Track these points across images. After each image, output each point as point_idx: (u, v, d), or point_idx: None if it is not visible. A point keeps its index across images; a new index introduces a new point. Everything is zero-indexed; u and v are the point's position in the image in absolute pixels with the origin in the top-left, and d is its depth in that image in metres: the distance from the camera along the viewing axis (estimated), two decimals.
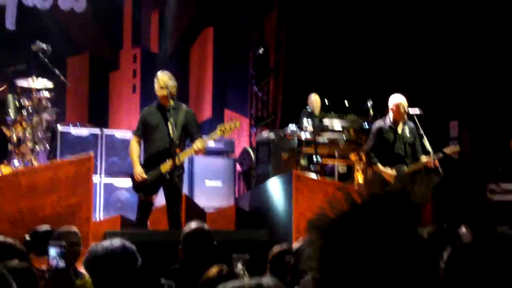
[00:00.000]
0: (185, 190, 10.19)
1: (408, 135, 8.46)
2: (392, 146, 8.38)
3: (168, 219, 7.62)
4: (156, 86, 7.67)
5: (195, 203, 9.44)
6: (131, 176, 7.70)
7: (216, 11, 14.31)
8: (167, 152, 7.50)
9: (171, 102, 7.63)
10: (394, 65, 13.21)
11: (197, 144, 7.51)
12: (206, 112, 14.18)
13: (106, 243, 3.15)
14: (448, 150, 8.70)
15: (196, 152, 7.75)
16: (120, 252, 3.07)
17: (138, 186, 7.62)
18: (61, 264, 3.19)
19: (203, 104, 14.21)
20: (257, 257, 5.73)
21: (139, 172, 7.47)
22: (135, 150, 7.67)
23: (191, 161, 11.02)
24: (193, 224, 4.83)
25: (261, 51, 14.22)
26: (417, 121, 8.58)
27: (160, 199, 7.99)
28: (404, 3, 13.16)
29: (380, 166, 8.32)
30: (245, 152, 12.22)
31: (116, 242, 3.13)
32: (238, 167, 12.11)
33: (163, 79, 7.65)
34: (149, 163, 7.60)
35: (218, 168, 11.37)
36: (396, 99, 8.44)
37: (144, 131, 7.71)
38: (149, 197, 7.64)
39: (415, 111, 8.83)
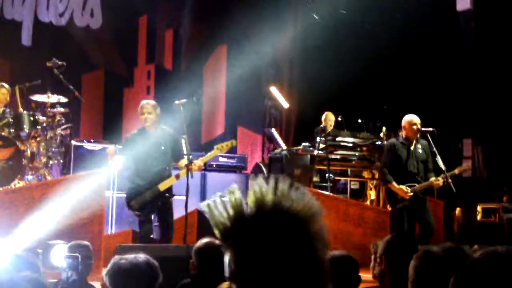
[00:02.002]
0: (197, 205, 10.21)
1: (421, 152, 8.45)
2: (405, 164, 8.37)
3: (161, 232, 7.77)
4: (139, 112, 7.90)
5: (207, 218, 9.42)
6: (128, 195, 7.81)
7: (229, 30, 14.39)
8: (161, 173, 7.75)
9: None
10: (407, 83, 13.21)
11: (197, 163, 7.76)
12: (219, 129, 14.22)
13: (131, 256, 3.16)
14: (458, 169, 8.69)
15: (195, 170, 7.89)
16: (144, 266, 3.08)
17: (134, 206, 7.71)
18: (74, 276, 3.20)
19: (216, 120, 14.27)
20: None
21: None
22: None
23: (203, 176, 11.06)
24: (205, 239, 4.83)
25: (274, 67, 14.28)
26: (430, 139, 8.57)
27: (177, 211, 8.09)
28: (416, 23, 13.18)
29: (394, 184, 8.30)
30: (257, 167, 12.23)
31: (141, 256, 3.14)
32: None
33: (141, 108, 7.86)
34: (141, 185, 7.74)
35: (231, 184, 11.29)
36: (409, 117, 8.46)
37: (133, 156, 7.85)
38: (147, 216, 7.77)
39: (428, 129, 8.82)
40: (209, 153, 8.16)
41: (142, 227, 7.83)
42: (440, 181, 8.33)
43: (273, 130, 13.25)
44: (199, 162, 7.80)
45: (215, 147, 8.03)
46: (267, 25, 14.42)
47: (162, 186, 7.66)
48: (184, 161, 7.75)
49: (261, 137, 14.45)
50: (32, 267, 3.95)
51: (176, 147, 7.85)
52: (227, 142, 8.21)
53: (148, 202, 7.67)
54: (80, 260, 3.27)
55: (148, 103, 7.93)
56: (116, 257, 3.22)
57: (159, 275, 3.10)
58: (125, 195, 7.90)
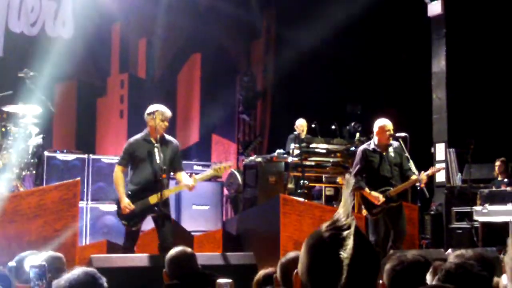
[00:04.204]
0: (172, 214, 10.17)
1: (393, 155, 8.45)
2: (377, 169, 8.37)
3: (160, 243, 7.52)
4: (157, 119, 7.48)
5: (182, 227, 9.43)
6: (117, 203, 7.58)
7: (203, 38, 14.41)
8: (155, 184, 7.41)
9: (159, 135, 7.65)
10: (380, 88, 13.32)
11: (190, 182, 7.55)
12: (194, 137, 14.22)
13: (67, 275, 3.11)
14: (431, 170, 8.72)
15: (188, 188, 7.71)
16: (84, 277, 3.04)
17: (124, 215, 7.49)
18: (42, 285, 3.16)
19: (191, 129, 14.26)
20: (243, 281, 5.70)
21: (127, 204, 7.36)
22: (121, 181, 7.48)
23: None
24: (178, 248, 4.82)
25: (247, 78, 14.32)
26: (402, 143, 8.60)
27: (146, 225, 7.95)
28: (388, 27, 13.30)
29: (367, 190, 8.30)
30: (232, 175, 12.23)
31: (76, 271, 3.09)
32: (226, 191, 12.12)
33: (166, 114, 7.58)
34: (136, 194, 7.45)
35: (206, 192, 11.35)
36: (381, 122, 8.46)
37: (131, 163, 7.62)
38: (134, 226, 7.56)
39: (400, 134, 8.87)
40: (204, 173, 7.96)
41: (127, 238, 7.57)
42: (423, 175, 8.29)
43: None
44: (192, 182, 7.57)
45: (213, 167, 7.76)
46: (240, 32, 14.47)
47: (152, 199, 7.39)
48: (182, 175, 7.63)
49: (235, 145, 14.47)
50: (3, 280, 3.91)
51: (178, 158, 7.70)
52: (225, 164, 7.94)
53: (136, 214, 7.40)
54: (46, 268, 3.22)
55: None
56: (54, 281, 3.16)
57: (102, 280, 3.07)
58: (116, 203, 7.60)
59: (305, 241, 1.73)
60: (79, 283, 2.99)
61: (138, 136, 7.66)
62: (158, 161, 7.41)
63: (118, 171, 7.55)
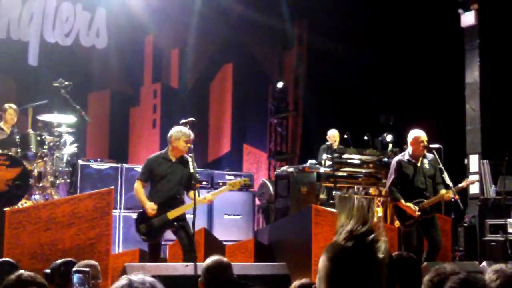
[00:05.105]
0: (204, 223, 10.22)
1: (428, 167, 8.40)
2: (412, 180, 8.32)
3: (183, 252, 7.69)
4: (181, 140, 7.80)
5: (214, 236, 9.44)
6: (137, 219, 7.82)
7: (235, 48, 14.45)
8: (173, 201, 7.75)
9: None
10: (413, 99, 13.24)
11: (208, 197, 7.95)
12: (225, 147, 14.25)
13: (130, 275, 3.12)
14: (465, 182, 8.67)
15: (204, 202, 8.07)
16: (140, 284, 3.05)
17: (143, 230, 7.74)
18: None
19: (222, 138, 14.29)
20: None
21: (151, 206, 7.63)
22: (142, 191, 7.85)
23: None
24: (213, 257, 4.81)
25: (280, 85, 14.33)
26: (436, 155, 8.53)
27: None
28: (422, 39, 13.23)
29: (402, 201, 8.26)
30: (263, 185, 12.23)
31: (139, 275, 3.10)
32: (257, 201, 12.13)
33: (190, 137, 7.84)
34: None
35: (238, 202, 11.40)
36: (416, 133, 8.42)
37: (150, 179, 7.87)
38: (153, 241, 7.79)
39: (434, 145, 8.80)
40: (220, 188, 8.37)
41: (150, 251, 7.95)
42: (450, 193, 8.27)
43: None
44: (209, 196, 7.95)
45: (228, 183, 8.17)
46: (273, 43, 14.49)
47: (171, 215, 7.66)
48: (193, 193, 7.79)
49: (266, 155, 14.46)
50: (38, 285, 3.94)
51: (191, 178, 7.85)
52: (240, 179, 8.44)
53: (155, 229, 7.70)
54: (90, 274, 3.25)
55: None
56: (124, 276, 3.19)
57: None
58: (135, 216, 7.89)
59: (324, 255, 1.78)
60: None
61: (158, 154, 8.08)
62: (176, 178, 7.79)
63: (138, 185, 7.89)
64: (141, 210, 7.84)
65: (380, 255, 1.71)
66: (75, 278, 3.22)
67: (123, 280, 3.01)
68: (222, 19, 14.06)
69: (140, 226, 7.76)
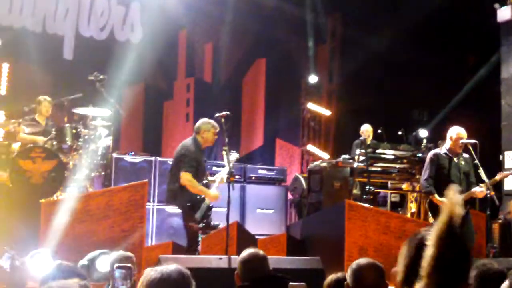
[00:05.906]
0: (236, 217, 10.24)
1: (463, 163, 8.36)
2: (448, 173, 8.27)
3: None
4: (211, 132, 8.08)
5: (246, 230, 9.46)
6: (189, 209, 7.86)
7: (268, 42, 14.44)
8: (207, 188, 8.04)
9: None
10: (448, 94, 13.11)
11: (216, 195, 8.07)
12: (258, 141, 14.25)
13: (161, 267, 3.15)
14: (499, 176, 8.61)
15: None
16: (176, 275, 3.06)
17: (198, 219, 7.80)
18: (126, 286, 3.19)
19: (255, 133, 14.30)
20: (310, 285, 5.67)
21: (215, 193, 7.91)
22: (197, 182, 7.91)
23: (243, 188, 11.12)
24: (249, 250, 4.80)
25: (313, 80, 14.28)
26: (472, 151, 8.46)
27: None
28: (457, 34, 13.09)
29: (436, 196, 8.20)
30: (296, 180, 12.22)
31: (171, 266, 3.12)
32: (290, 195, 12.12)
33: (218, 129, 8.08)
34: (198, 200, 7.92)
35: (270, 196, 11.42)
36: (457, 129, 8.37)
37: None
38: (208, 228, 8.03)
39: (470, 140, 8.72)
40: (214, 184, 8.28)
41: (193, 240, 8.02)
42: (483, 188, 8.20)
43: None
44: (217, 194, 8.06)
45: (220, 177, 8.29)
46: (306, 37, 14.44)
47: (208, 201, 7.93)
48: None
49: (299, 150, 14.44)
50: (78, 275, 3.99)
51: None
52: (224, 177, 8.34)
53: (207, 215, 7.94)
54: (132, 270, 3.27)
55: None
56: (147, 269, 3.22)
57: (192, 283, 3.08)
58: (187, 208, 7.90)
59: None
60: (170, 278, 3.00)
61: (194, 144, 8.12)
62: (204, 167, 8.21)
63: (190, 177, 7.92)
64: (191, 199, 7.86)
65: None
66: (117, 273, 3.23)
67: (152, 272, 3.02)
68: (255, 13, 14.05)
69: (195, 216, 7.81)
